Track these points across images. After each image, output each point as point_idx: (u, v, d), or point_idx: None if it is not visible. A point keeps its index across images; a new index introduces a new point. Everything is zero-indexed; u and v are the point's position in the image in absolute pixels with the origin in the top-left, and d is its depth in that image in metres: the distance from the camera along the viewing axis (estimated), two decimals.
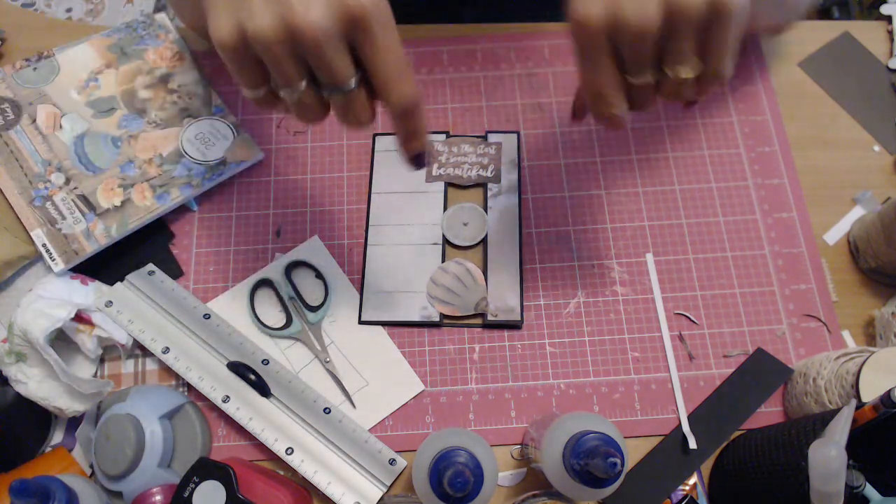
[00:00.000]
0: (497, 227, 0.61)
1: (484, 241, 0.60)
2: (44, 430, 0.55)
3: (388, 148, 0.64)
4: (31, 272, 0.59)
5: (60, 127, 0.61)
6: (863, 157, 0.65)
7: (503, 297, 0.58)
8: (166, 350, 0.55)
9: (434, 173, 0.63)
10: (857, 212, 0.63)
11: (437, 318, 0.58)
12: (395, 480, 0.53)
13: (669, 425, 0.56)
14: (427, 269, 0.59)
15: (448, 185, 0.62)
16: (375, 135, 0.65)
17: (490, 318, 0.57)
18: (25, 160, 0.59)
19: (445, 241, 0.60)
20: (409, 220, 0.61)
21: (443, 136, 0.64)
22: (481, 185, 0.62)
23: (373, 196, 0.62)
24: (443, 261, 0.59)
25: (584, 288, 0.60)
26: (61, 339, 0.56)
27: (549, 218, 0.62)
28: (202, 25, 0.45)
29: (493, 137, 0.64)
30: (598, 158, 0.64)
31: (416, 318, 0.58)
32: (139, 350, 0.58)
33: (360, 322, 0.58)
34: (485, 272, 0.59)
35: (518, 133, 0.64)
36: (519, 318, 0.57)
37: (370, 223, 0.61)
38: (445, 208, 0.61)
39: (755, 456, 0.49)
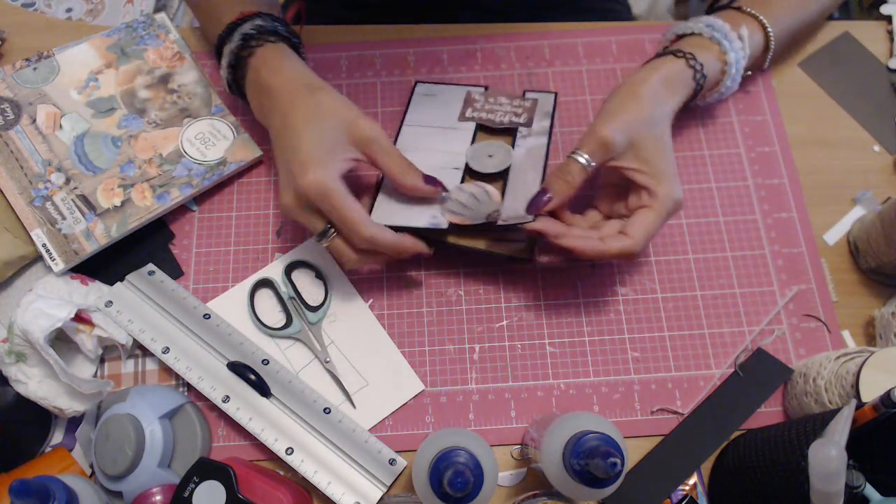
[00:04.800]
0: (522, 161, 0.59)
1: (506, 172, 0.58)
2: (44, 430, 0.55)
3: (427, 92, 0.65)
4: (31, 272, 0.59)
5: (60, 127, 0.61)
6: (863, 157, 0.65)
7: (516, 209, 0.55)
8: (166, 350, 0.56)
9: (468, 114, 0.62)
10: (857, 212, 0.63)
11: (446, 226, 0.55)
12: (395, 480, 0.53)
13: (669, 425, 0.56)
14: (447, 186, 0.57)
15: (479, 128, 0.62)
16: (417, 81, 0.66)
17: (500, 222, 0.54)
18: (25, 160, 0.59)
19: (468, 170, 0.59)
20: (436, 148, 0.61)
21: (482, 89, 0.64)
22: (512, 130, 0.62)
23: (404, 127, 0.62)
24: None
25: (584, 288, 0.60)
26: (61, 339, 0.56)
27: None
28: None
29: (530, 95, 0.64)
30: None
31: (424, 223, 0.55)
32: (139, 350, 0.58)
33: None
34: (503, 196, 0.57)
35: (556, 94, 0.64)
36: (531, 218, 0.53)
37: (397, 145, 0.60)
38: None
39: (755, 456, 0.49)
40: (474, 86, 0.65)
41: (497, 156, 0.59)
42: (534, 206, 0.53)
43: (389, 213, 0.56)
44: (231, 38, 0.57)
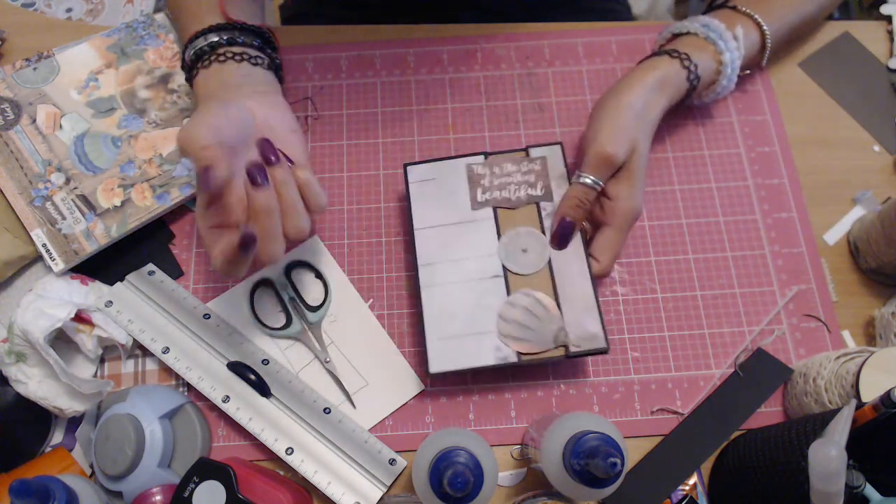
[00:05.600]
0: (561, 250, 0.56)
1: (549, 266, 0.55)
2: (44, 430, 0.55)
3: (422, 178, 0.58)
4: (31, 272, 0.59)
5: (60, 127, 0.61)
6: (863, 157, 0.65)
7: (580, 323, 0.52)
8: (166, 350, 0.56)
9: (479, 199, 0.57)
10: (857, 212, 0.63)
11: (515, 359, 0.52)
12: (395, 480, 0.53)
13: (669, 425, 0.56)
14: (493, 306, 0.54)
15: (497, 209, 0.57)
16: (406, 165, 0.59)
17: (573, 350, 0.52)
18: (25, 160, 0.59)
19: (506, 272, 0.55)
20: (463, 255, 0.55)
21: (481, 158, 0.58)
22: (533, 203, 0.57)
23: (416, 232, 0.56)
24: (508, 294, 0.54)
25: None
26: (61, 339, 0.56)
27: None
28: None
29: (535, 152, 0.58)
30: None
31: (491, 361, 0.52)
32: (139, 350, 0.58)
33: (430, 373, 0.52)
34: (556, 300, 0.54)
35: (561, 144, 0.58)
36: (604, 345, 0.52)
37: (419, 263, 0.55)
38: (500, 235, 0.56)
39: (755, 456, 0.49)
40: (469, 154, 0.59)
41: (531, 249, 0.55)
42: (563, 242, 0.55)
43: (446, 357, 0.53)
44: (184, 69, 0.58)
